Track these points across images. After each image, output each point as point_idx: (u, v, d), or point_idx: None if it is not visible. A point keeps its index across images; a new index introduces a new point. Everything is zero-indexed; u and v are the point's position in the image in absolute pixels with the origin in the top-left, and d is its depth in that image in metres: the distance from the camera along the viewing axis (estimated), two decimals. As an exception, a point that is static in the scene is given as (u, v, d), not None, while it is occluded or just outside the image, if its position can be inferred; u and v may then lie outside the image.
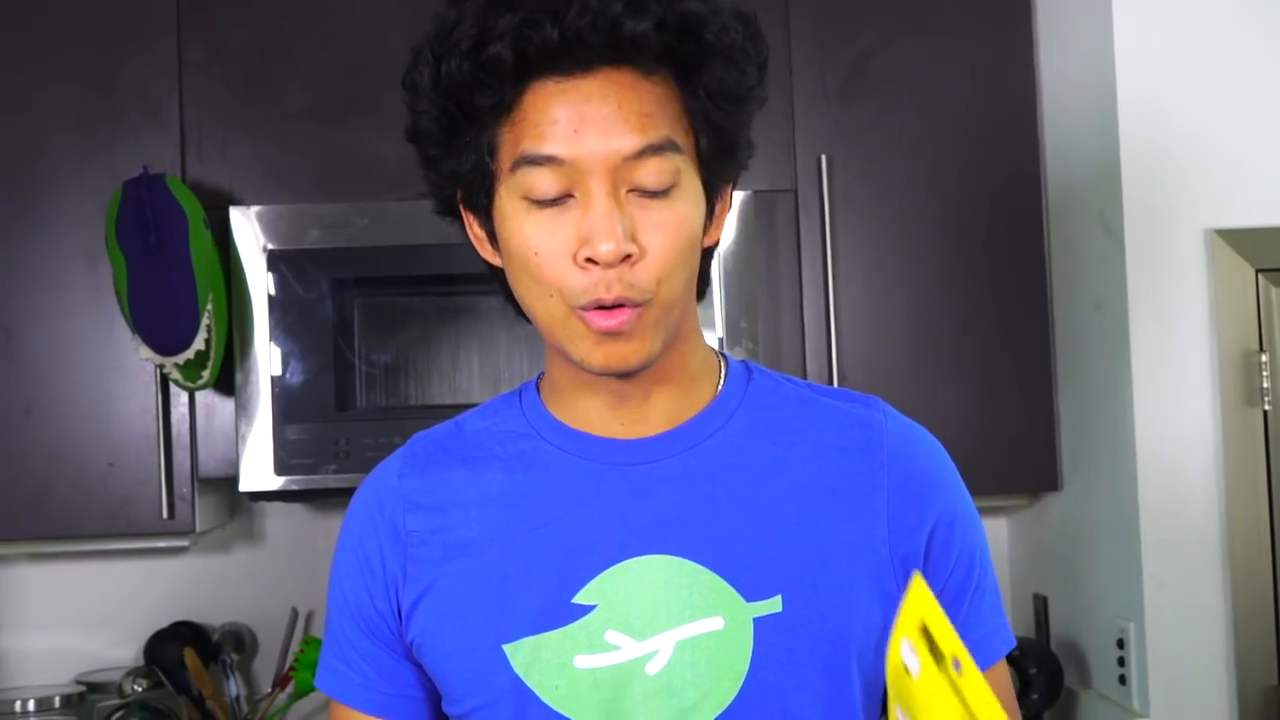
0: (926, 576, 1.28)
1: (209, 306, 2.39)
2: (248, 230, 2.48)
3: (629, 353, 1.23)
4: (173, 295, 2.37)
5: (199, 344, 2.37)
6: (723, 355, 1.39)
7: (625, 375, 1.26)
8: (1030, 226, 2.62)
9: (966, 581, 1.32)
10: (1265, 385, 2.32)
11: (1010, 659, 1.42)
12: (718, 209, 1.30)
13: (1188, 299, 2.35)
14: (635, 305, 1.21)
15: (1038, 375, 2.60)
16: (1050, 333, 2.62)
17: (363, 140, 2.56)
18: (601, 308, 1.21)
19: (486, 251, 1.31)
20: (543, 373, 1.38)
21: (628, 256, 1.19)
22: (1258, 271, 2.33)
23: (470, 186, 1.28)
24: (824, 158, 2.56)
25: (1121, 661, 2.41)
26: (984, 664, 1.30)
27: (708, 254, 1.33)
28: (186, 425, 2.54)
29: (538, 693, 1.26)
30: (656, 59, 1.21)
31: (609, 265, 1.19)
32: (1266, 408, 2.32)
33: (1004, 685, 1.36)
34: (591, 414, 1.32)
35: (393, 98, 2.62)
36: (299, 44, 2.59)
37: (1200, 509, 2.34)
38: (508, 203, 1.24)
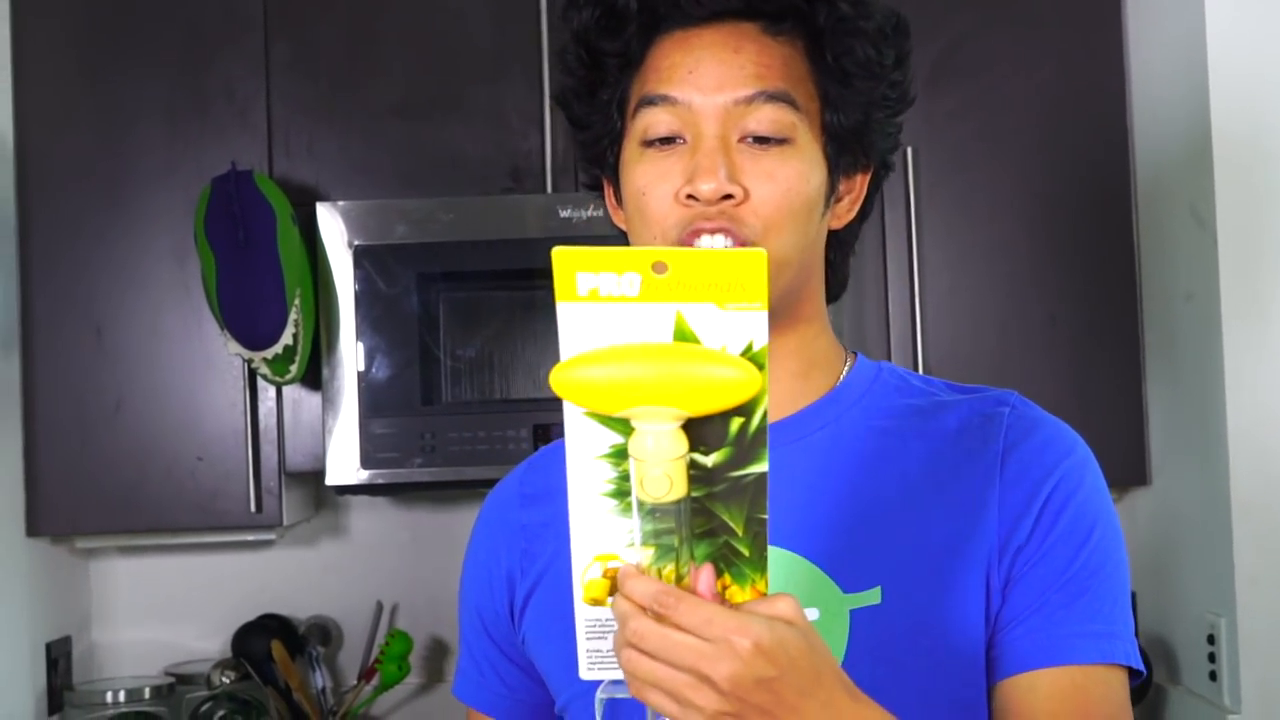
0: (1023, 559, 1.24)
1: (296, 301, 2.41)
2: (334, 226, 2.50)
3: None
4: (261, 290, 2.39)
5: (286, 339, 2.39)
6: (854, 354, 1.37)
7: None
8: (1119, 218, 2.60)
9: (1065, 563, 1.24)
10: (1362, 378, 2.29)
11: (1138, 684, 1.32)
12: (842, 189, 1.30)
13: (1280, 291, 2.33)
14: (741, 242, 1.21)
15: (1127, 369, 2.59)
16: (1140, 325, 2.61)
17: (448, 136, 2.58)
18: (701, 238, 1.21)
19: (617, 216, 1.32)
20: None
21: (729, 196, 1.19)
22: (1353, 262, 2.30)
23: (605, 145, 1.30)
24: (910, 149, 2.55)
25: (1212, 658, 2.39)
26: (1065, 659, 1.22)
27: (838, 243, 1.33)
28: (274, 419, 2.57)
29: None
30: (782, 17, 1.23)
31: (709, 203, 1.19)
32: (1363, 400, 2.29)
33: (1094, 693, 1.24)
34: None
35: (477, 94, 2.66)
36: (385, 41, 2.61)
37: (1295, 504, 2.31)
38: (629, 150, 1.26)
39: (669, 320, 0.97)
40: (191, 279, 2.53)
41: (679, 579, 1.00)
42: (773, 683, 0.99)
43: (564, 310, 0.96)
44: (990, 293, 2.59)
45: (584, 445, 1.00)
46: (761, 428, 1.00)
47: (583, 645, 1.06)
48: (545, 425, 2.46)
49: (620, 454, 1.00)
